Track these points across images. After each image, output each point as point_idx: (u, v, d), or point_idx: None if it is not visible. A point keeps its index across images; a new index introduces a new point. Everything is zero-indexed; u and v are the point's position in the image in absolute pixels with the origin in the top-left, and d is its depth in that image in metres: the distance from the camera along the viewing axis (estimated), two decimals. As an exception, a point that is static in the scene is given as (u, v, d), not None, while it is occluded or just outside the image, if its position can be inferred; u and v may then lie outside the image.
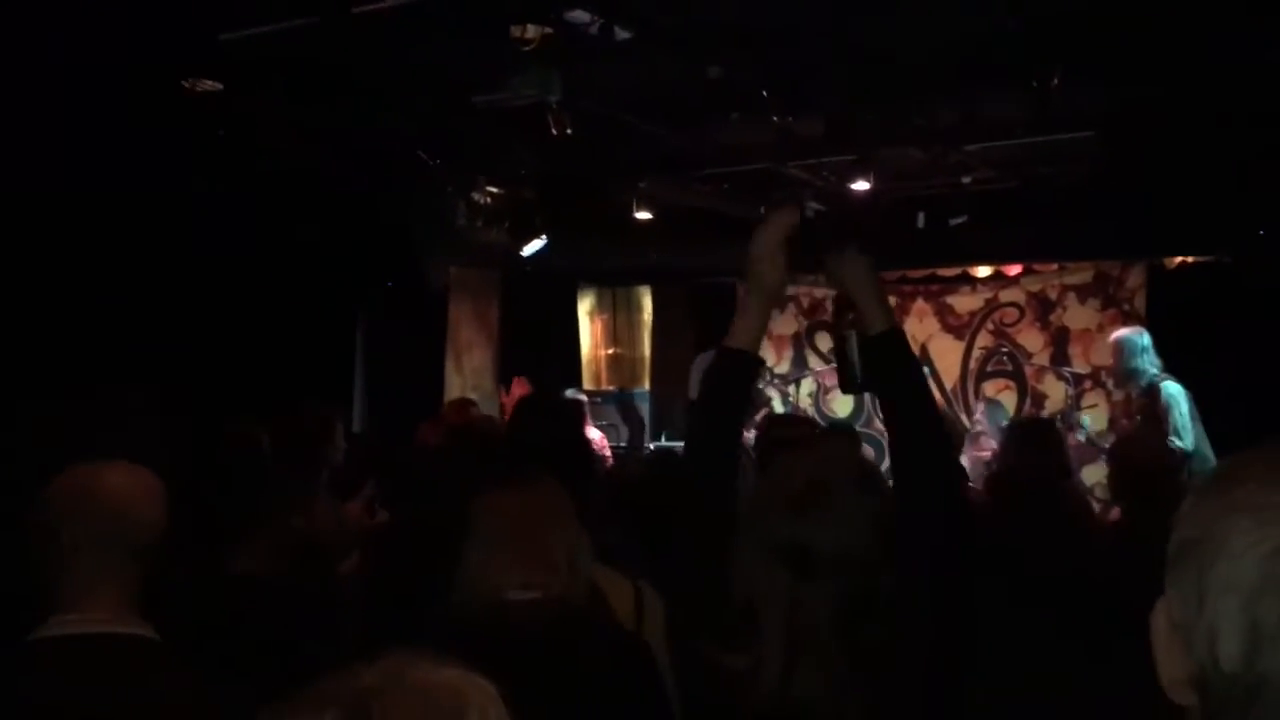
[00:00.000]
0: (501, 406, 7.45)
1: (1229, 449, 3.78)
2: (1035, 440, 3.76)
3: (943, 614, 1.76)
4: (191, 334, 6.02)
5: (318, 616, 2.37)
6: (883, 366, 1.96)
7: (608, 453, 7.39)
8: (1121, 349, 6.31)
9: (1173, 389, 6.14)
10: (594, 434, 7.45)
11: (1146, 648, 0.97)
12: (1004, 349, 7.90)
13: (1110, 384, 7.45)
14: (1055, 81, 4.47)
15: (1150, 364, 6.28)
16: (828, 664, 1.65)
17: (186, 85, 4.96)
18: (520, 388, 7.03)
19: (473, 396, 8.71)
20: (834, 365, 7.02)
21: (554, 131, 5.12)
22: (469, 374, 8.79)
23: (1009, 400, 7.69)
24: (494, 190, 7.56)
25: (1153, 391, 6.15)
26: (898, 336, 1.98)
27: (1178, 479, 3.50)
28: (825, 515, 1.70)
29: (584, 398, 7.77)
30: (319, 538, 3.16)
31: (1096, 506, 6.62)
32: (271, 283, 6.52)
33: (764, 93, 5.38)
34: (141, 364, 5.20)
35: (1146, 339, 6.36)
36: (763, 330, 2.03)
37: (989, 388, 7.86)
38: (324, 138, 5.92)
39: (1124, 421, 6.44)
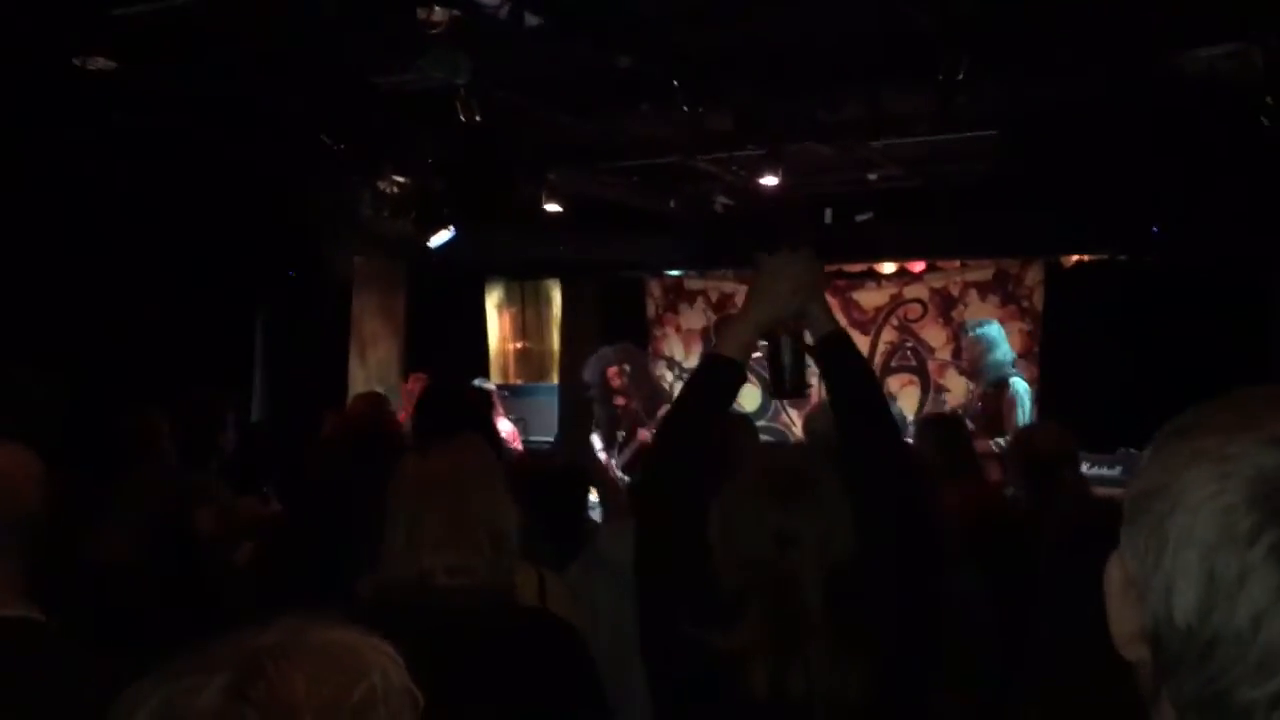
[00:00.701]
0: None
1: (1120, 443, 3.91)
2: (942, 435, 3.80)
3: (913, 602, 1.78)
4: (86, 318, 5.80)
5: (181, 604, 2.26)
6: (835, 366, 1.95)
7: (519, 446, 7.32)
8: (981, 343, 6.40)
9: (1020, 386, 6.28)
10: (505, 426, 7.37)
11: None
12: (908, 344, 8.03)
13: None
14: (960, 77, 4.51)
15: (1005, 357, 6.40)
16: (822, 646, 1.68)
17: (78, 63, 4.77)
18: (418, 384, 6.79)
19: (377, 389, 8.59)
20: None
21: (462, 118, 5.04)
22: (373, 367, 8.63)
23: (912, 395, 7.81)
24: (400, 180, 7.43)
25: (1001, 385, 6.27)
26: (845, 335, 1.99)
27: (1077, 466, 3.57)
28: (811, 505, 1.74)
29: (492, 386, 7.67)
30: (201, 525, 3.06)
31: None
32: (169, 268, 6.33)
33: (674, 83, 5.38)
34: (33, 347, 4.99)
35: (1002, 333, 6.48)
36: (752, 346, 1.99)
37: (893, 383, 7.98)
38: (223, 120, 5.76)
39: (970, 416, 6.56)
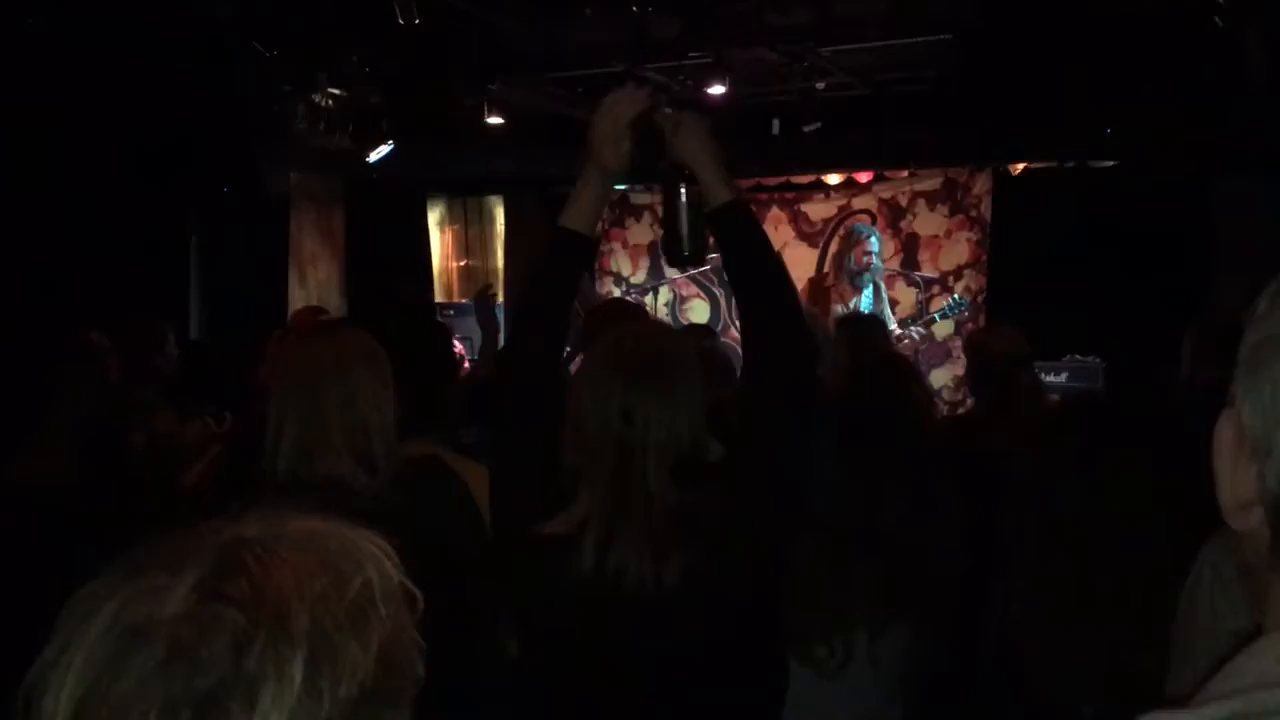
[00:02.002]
0: None
1: (1067, 349, 3.91)
2: (862, 333, 3.77)
3: (783, 487, 1.75)
4: (13, 239, 5.57)
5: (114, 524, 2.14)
6: (730, 239, 1.87)
7: (467, 364, 7.19)
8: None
9: None
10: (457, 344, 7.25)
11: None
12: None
13: (959, 288, 7.62)
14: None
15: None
16: (649, 527, 1.64)
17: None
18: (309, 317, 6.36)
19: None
20: (690, 274, 7.03)
21: (400, 20, 4.84)
22: (314, 287, 8.43)
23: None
24: (336, 92, 7.18)
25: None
26: (743, 207, 1.90)
27: (1032, 367, 3.55)
28: (660, 383, 1.70)
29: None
30: (137, 445, 2.93)
31: (944, 408, 6.82)
32: (98, 185, 6.07)
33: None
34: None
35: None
36: (599, 213, 1.96)
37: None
38: (149, 29, 5.49)
39: None
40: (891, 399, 2.52)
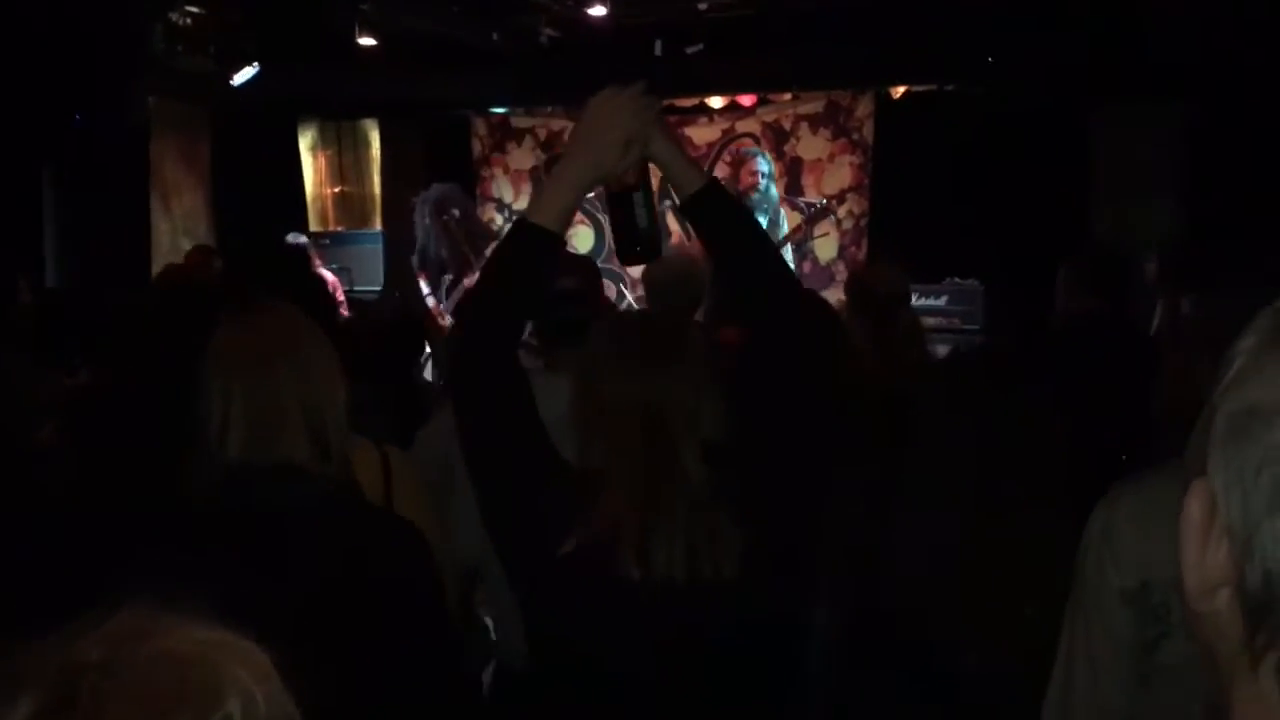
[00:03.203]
0: None
1: (947, 273, 3.94)
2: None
3: (801, 458, 1.68)
4: None
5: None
6: (713, 222, 1.73)
7: (342, 297, 6.98)
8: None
9: None
10: (327, 276, 7.01)
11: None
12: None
13: (841, 212, 7.65)
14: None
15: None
16: (693, 520, 1.55)
17: None
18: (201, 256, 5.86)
19: (185, 243, 8.03)
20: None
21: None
22: (179, 218, 8.06)
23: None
24: (195, 10, 6.79)
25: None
26: (720, 188, 1.77)
27: (909, 304, 3.56)
28: (682, 367, 1.60)
29: (304, 239, 7.24)
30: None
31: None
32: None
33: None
34: None
35: None
36: (573, 211, 1.73)
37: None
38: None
39: None
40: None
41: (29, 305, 3.87)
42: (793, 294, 1.76)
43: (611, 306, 3.66)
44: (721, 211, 1.75)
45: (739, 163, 6.51)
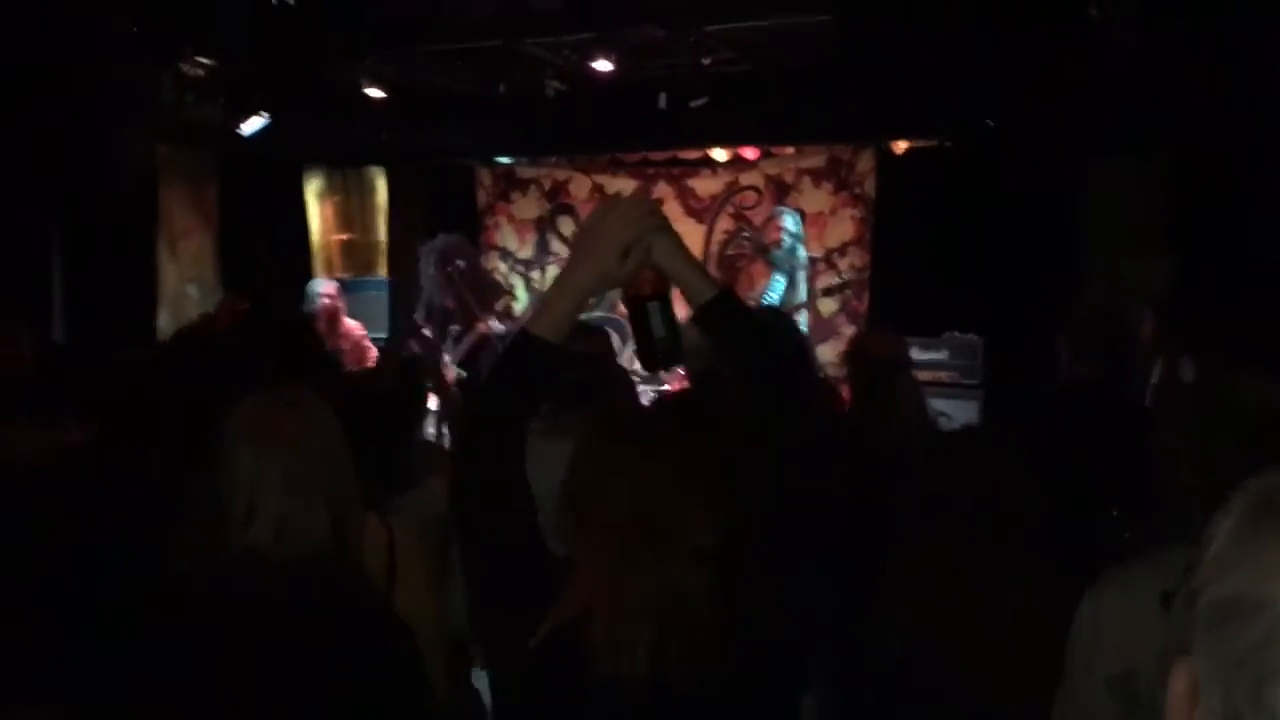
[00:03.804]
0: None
1: (946, 327, 3.98)
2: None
3: (797, 563, 1.67)
4: None
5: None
6: (724, 339, 1.73)
7: (369, 344, 6.99)
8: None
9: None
10: (352, 324, 7.03)
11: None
12: (744, 232, 7.98)
13: (843, 265, 7.69)
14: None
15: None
16: (671, 616, 1.54)
17: None
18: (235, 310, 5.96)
19: (191, 289, 8.09)
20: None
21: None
22: (186, 264, 8.12)
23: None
24: (205, 62, 6.88)
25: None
26: (729, 297, 1.75)
27: (910, 373, 3.58)
28: (670, 466, 1.59)
29: (328, 287, 7.16)
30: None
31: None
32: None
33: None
34: None
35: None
36: (572, 322, 1.71)
37: (730, 273, 7.95)
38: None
39: None
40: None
41: (29, 361, 3.89)
42: (804, 404, 1.73)
43: (622, 372, 3.65)
44: (733, 322, 1.73)
45: (768, 219, 6.48)
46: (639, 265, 1.68)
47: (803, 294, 6.43)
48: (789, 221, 6.35)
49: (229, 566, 1.68)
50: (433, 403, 4.96)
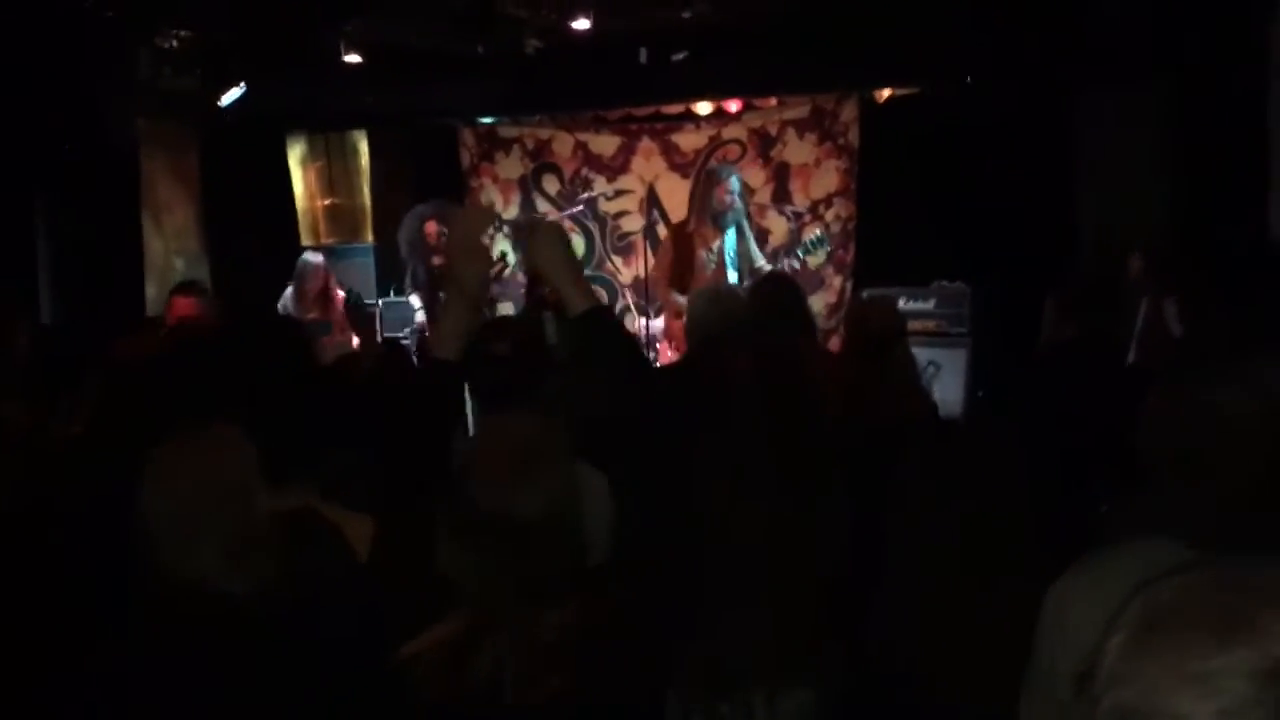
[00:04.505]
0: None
1: (934, 275, 4.02)
2: (780, 302, 3.75)
3: (667, 574, 1.73)
4: None
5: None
6: (589, 347, 1.90)
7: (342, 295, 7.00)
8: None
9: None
10: (343, 295, 7.05)
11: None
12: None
13: (829, 216, 7.70)
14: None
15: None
16: (518, 642, 1.57)
17: None
18: (189, 306, 5.31)
19: (177, 261, 8.08)
20: (564, 209, 6.91)
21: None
22: (171, 235, 8.09)
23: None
24: (180, 33, 6.81)
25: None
26: (600, 315, 1.91)
27: (905, 343, 3.61)
28: (531, 485, 1.61)
29: (319, 259, 7.16)
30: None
31: (821, 336, 6.92)
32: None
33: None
34: None
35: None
36: (465, 333, 1.89)
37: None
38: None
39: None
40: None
41: (25, 349, 3.91)
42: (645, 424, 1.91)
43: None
44: (601, 336, 1.91)
45: (711, 184, 6.53)
46: (530, 268, 1.83)
47: (751, 242, 6.50)
48: (733, 183, 6.41)
49: (185, 609, 1.72)
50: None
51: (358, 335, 6.45)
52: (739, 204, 6.43)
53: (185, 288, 5.43)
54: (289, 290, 7.00)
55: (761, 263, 6.49)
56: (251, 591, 1.68)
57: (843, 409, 3.12)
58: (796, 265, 6.91)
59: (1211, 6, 5.64)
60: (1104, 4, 6.11)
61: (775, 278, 5.09)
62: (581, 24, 6.81)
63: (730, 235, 6.35)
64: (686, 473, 2.21)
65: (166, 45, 6.80)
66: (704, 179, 7.10)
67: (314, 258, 7.05)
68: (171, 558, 1.71)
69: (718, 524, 2.17)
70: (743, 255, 6.41)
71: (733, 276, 6.29)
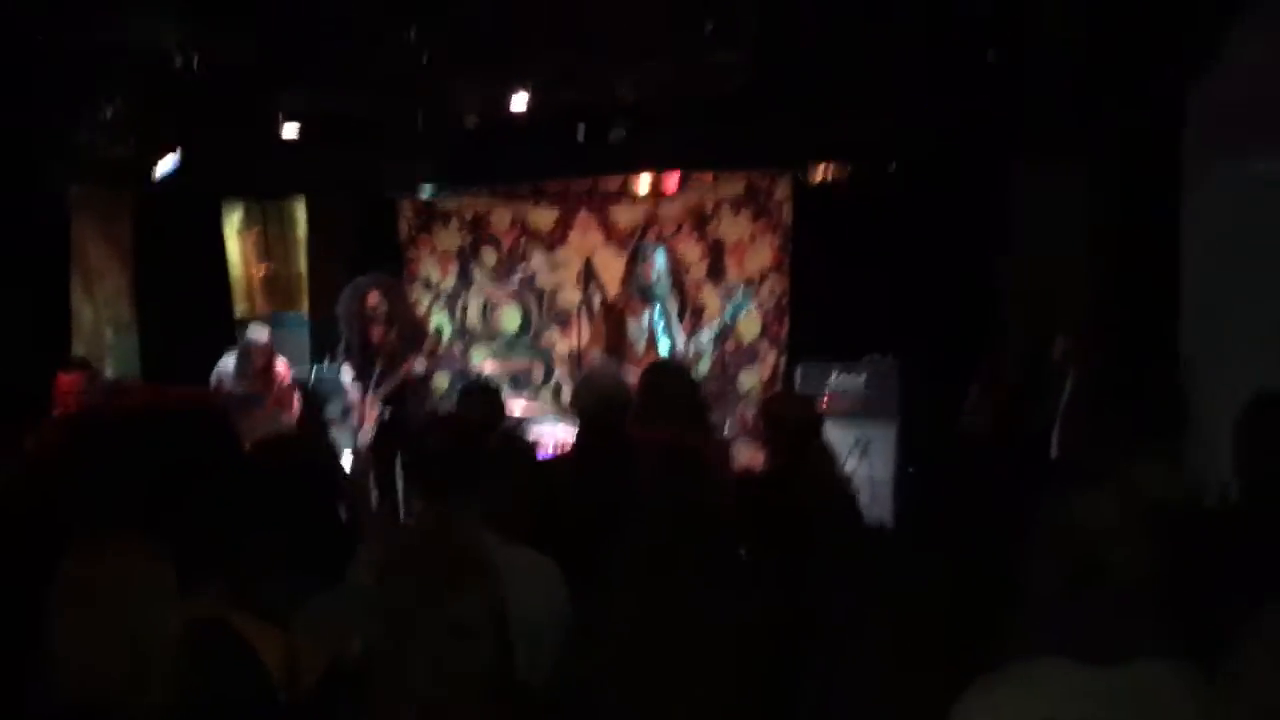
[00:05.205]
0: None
1: (866, 350, 4.11)
2: (667, 391, 3.80)
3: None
4: None
5: None
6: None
7: (288, 382, 6.93)
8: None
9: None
10: (283, 365, 6.99)
11: None
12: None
13: (763, 292, 7.80)
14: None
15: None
16: None
17: None
18: (73, 381, 5.33)
19: (107, 330, 7.97)
20: (499, 284, 6.90)
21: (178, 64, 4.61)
22: (101, 303, 8.00)
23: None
24: (117, 102, 6.78)
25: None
26: None
27: (821, 434, 3.66)
28: (463, 588, 1.67)
29: (264, 337, 7.07)
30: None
31: (749, 412, 6.98)
32: None
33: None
34: None
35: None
36: None
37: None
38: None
39: None
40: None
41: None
42: None
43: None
44: None
45: (640, 259, 6.68)
46: None
47: (674, 317, 6.59)
48: (658, 260, 6.53)
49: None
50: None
51: (300, 420, 6.40)
52: (664, 280, 6.52)
53: (72, 365, 5.29)
54: (229, 361, 6.93)
55: (679, 342, 6.52)
56: (157, 710, 1.66)
57: (760, 503, 3.16)
58: (729, 340, 7.01)
59: (1132, 84, 5.81)
60: (1030, 83, 6.31)
61: (662, 367, 5.09)
62: (520, 100, 6.89)
63: (657, 310, 6.43)
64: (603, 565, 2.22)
65: (102, 115, 6.76)
66: (632, 256, 7.19)
67: (259, 336, 6.95)
68: (74, 674, 1.69)
69: (629, 624, 2.18)
70: (668, 329, 6.48)
71: (664, 348, 6.35)
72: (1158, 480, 2.43)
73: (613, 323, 6.49)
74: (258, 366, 6.82)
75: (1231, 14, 4.30)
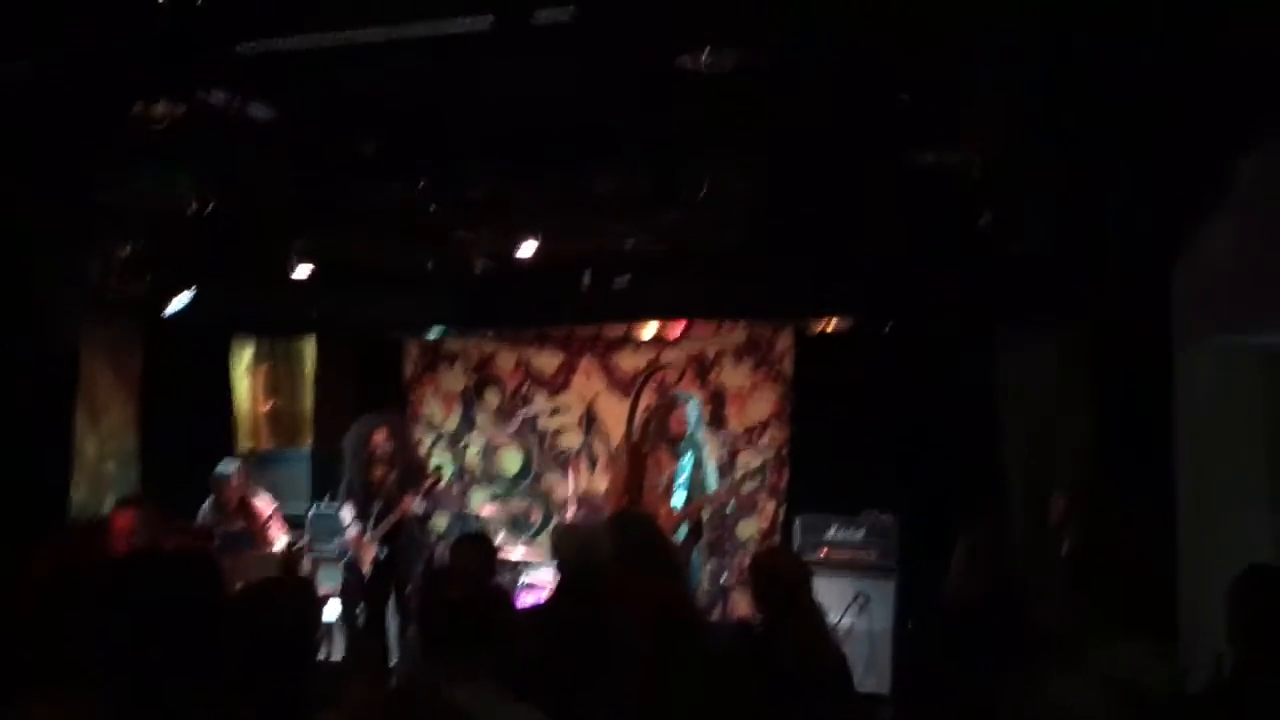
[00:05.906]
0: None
1: (865, 505, 4.11)
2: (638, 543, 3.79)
3: None
4: None
5: None
6: None
7: (279, 523, 6.93)
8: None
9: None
10: (263, 501, 6.99)
11: None
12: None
13: (763, 442, 7.82)
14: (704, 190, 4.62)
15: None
16: None
17: None
18: (127, 519, 5.45)
19: (109, 464, 7.99)
20: (501, 426, 6.93)
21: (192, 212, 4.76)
22: (106, 436, 8.02)
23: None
24: (131, 242, 6.95)
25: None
26: None
27: (810, 592, 3.65)
28: None
29: (230, 469, 7.10)
30: None
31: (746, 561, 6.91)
32: None
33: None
34: None
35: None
36: None
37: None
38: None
39: None
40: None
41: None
42: None
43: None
44: None
45: (669, 408, 6.68)
46: None
47: (709, 469, 6.58)
48: (691, 411, 6.55)
49: None
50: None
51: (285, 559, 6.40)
52: (698, 432, 6.55)
53: (127, 502, 5.37)
54: (209, 500, 6.96)
55: (714, 489, 6.54)
56: None
57: (749, 658, 3.12)
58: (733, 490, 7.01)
59: (1122, 250, 5.90)
60: (1024, 246, 6.42)
61: (631, 518, 5.06)
62: (528, 248, 7.03)
63: (687, 460, 6.42)
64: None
65: (118, 254, 6.92)
66: (661, 403, 7.17)
67: (226, 468, 6.98)
68: None
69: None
70: (696, 484, 6.47)
71: (679, 500, 6.34)
72: (1140, 663, 2.41)
73: (635, 468, 6.49)
74: (231, 503, 6.83)
75: (1218, 198, 4.42)
